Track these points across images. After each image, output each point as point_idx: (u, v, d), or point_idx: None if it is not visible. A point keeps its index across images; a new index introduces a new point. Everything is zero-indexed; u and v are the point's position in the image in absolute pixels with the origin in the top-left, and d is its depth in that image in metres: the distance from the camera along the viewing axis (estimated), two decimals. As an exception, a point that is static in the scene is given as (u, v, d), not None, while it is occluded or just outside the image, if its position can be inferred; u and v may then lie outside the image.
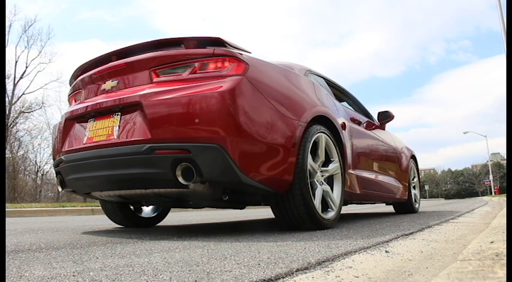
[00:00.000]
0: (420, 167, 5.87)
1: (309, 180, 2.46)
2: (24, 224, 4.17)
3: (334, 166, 2.78)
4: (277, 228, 2.97)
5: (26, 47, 23.67)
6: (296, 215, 2.45)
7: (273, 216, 5.51)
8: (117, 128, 2.30)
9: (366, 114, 4.25)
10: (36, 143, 24.89)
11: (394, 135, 4.81)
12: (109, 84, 2.49)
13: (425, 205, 7.14)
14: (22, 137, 24.08)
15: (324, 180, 2.70)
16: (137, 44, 2.55)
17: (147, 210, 3.51)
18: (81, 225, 3.92)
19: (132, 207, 3.35)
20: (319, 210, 2.52)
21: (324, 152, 2.71)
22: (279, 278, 1.17)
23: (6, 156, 21.30)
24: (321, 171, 2.68)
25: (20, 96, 23.51)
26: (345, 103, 3.92)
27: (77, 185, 2.66)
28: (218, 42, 2.35)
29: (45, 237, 2.50)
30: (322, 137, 2.67)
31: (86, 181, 2.53)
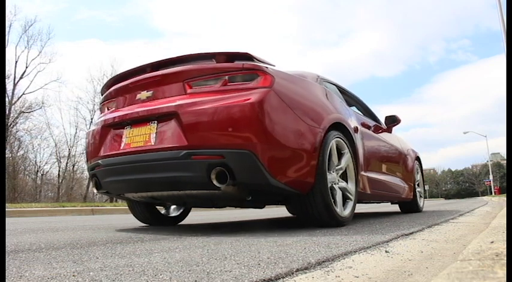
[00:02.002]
0: (421, 167, 6.02)
1: (328, 181, 2.66)
2: (24, 224, 4.17)
3: (347, 168, 3.03)
4: (277, 228, 2.97)
5: (26, 47, 23.67)
6: (316, 213, 2.65)
7: (273, 216, 5.51)
8: (154, 135, 2.49)
9: (374, 117, 4.42)
10: (36, 143, 24.91)
11: (400, 138, 5.00)
12: (144, 94, 2.67)
13: (425, 205, 7.15)
14: (22, 137, 24.10)
15: (340, 181, 2.93)
16: (171, 58, 2.77)
17: (170, 210, 3.72)
18: (81, 225, 3.92)
19: (157, 207, 3.54)
20: (338, 209, 2.73)
21: (338, 155, 2.93)
22: (279, 278, 1.17)
23: (6, 156, 21.31)
24: (336, 171, 2.88)
25: (20, 96, 23.53)
26: (353, 107, 4.07)
27: (113, 187, 2.85)
28: (246, 56, 2.57)
29: (45, 237, 2.50)
30: (339, 142, 2.90)
31: (123, 183, 2.72)
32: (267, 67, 2.53)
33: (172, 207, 3.71)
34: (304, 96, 2.75)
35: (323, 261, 1.41)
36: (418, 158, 5.36)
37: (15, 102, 23.16)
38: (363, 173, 3.31)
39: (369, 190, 3.43)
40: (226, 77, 2.47)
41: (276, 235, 2.33)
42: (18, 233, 2.95)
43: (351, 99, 4.05)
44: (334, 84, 3.61)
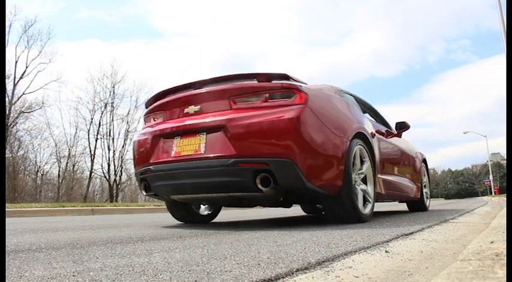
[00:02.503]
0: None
1: (353, 184, 3.01)
2: (24, 224, 4.17)
3: (367, 172, 3.37)
4: (277, 228, 2.97)
5: (26, 47, 23.61)
6: (343, 212, 3.02)
7: (272, 216, 5.50)
8: (204, 145, 2.83)
9: (385, 123, 4.74)
10: (36, 143, 24.89)
11: (408, 142, 5.30)
12: (192, 108, 3.01)
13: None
14: (22, 137, 24.08)
15: (361, 183, 3.26)
16: (215, 77, 3.13)
17: (202, 209, 3.99)
18: (81, 225, 3.92)
19: (193, 206, 3.84)
20: (361, 207, 3.10)
21: (360, 161, 3.29)
22: (279, 278, 1.17)
23: (6, 156, 21.30)
24: (358, 174, 3.23)
25: (20, 96, 23.50)
26: (366, 114, 4.35)
27: (162, 190, 3.17)
28: (284, 76, 2.92)
29: (45, 237, 2.50)
30: (360, 149, 3.25)
31: (173, 187, 3.05)
32: (301, 86, 2.88)
33: (203, 206, 3.97)
34: (331, 110, 3.12)
35: (323, 261, 1.41)
36: (424, 160, 5.70)
37: (15, 102, 23.15)
38: (379, 175, 3.65)
39: (383, 191, 3.76)
40: (267, 95, 2.83)
41: (276, 235, 2.33)
42: (18, 233, 2.95)
43: (364, 107, 4.33)
44: (350, 94, 3.91)
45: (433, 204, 12.41)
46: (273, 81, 2.90)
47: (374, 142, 3.60)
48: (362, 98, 4.25)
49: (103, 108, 25.70)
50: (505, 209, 3.72)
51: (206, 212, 4.00)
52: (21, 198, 21.38)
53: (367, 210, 3.23)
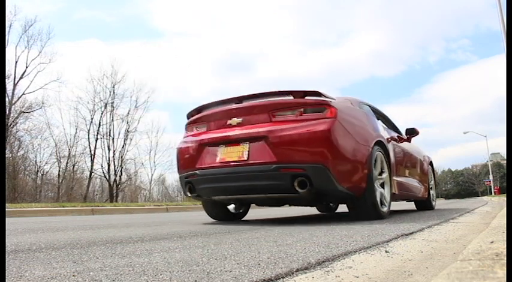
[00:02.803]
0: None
1: (374, 185, 3.40)
2: (24, 224, 4.17)
3: (385, 175, 3.77)
4: (277, 228, 2.97)
5: (26, 47, 23.56)
6: (365, 210, 3.42)
7: (274, 216, 5.49)
8: (247, 152, 3.22)
9: (395, 129, 5.12)
10: (36, 143, 24.86)
11: (417, 146, 5.70)
12: (235, 120, 3.41)
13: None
14: (22, 137, 24.05)
15: (380, 185, 3.65)
16: (255, 93, 3.54)
17: (231, 208, 4.29)
18: (81, 225, 3.92)
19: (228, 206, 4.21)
20: (380, 206, 3.49)
21: (379, 165, 3.67)
22: (279, 278, 1.17)
23: (6, 156, 21.29)
24: (377, 177, 3.59)
25: (20, 96, 23.46)
26: (380, 121, 4.58)
27: (206, 192, 3.54)
28: (316, 93, 3.33)
29: (45, 237, 2.50)
30: (379, 155, 3.65)
31: (217, 188, 3.43)
32: (331, 101, 3.29)
33: (233, 206, 4.27)
34: (355, 122, 3.51)
35: (323, 261, 1.41)
36: (431, 163, 6.15)
37: (15, 102, 23.13)
38: (393, 177, 4.01)
39: (397, 191, 4.11)
40: (302, 109, 3.24)
41: (276, 235, 2.33)
42: (18, 233, 2.95)
43: (378, 115, 4.65)
44: (367, 105, 4.27)
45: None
46: (306, 98, 3.32)
47: (390, 148, 3.99)
48: (376, 107, 4.67)
49: (103, 108, 25.69)
50: (505, 209, 3.72)
51: (239, 211, 4.39)
52: (21, 198, 21.37)
53: (385, 209, 3.62)
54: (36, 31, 24.04)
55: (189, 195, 3.67)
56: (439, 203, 13.90)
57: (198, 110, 3.84)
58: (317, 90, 3.32)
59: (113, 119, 25.98)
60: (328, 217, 4.69)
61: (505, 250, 1.07)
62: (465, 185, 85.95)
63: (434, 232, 2.47)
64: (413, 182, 4.93)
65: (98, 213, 8.17)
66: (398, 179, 4.23)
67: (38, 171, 25.46)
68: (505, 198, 9.86)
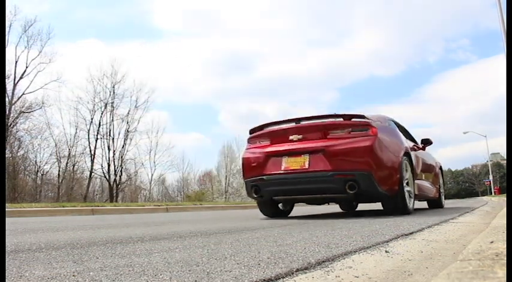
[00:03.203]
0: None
1: (403, 187, 4.25)
2: (24, 224, 4.17)
3: (410, 179, 4.61)
4: (277, 228, 2.97)
5: (26, 47, 23.56)
6: (396, 207, 4.31)
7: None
8: (307, 162, 4.05)
9: (413, 139, 5.88)
10: (36, 143, 24.86)
11: (430, 153, 6.60)
12: (296, 136, 4.23)
13: (425, 205, 7.19)
14: (22, 137, 24.05)
15: (406, 184, 4.48)
16: (312, 116, 4.41)
17: (280, 206, 5.06)
18: (81, 225, 3.92)
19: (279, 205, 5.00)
20: (408, 204, 4.34)
21: (405, 171, 4.48)
22: (279, 278, 1.17)
23: (6, 156, 21.28)
24: (405, 181, 4.42)
25: (20, 96, 23.47)
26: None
27: (269, 193, 4.34)
28: (361, 116, 4.18)
29: (45, 237, 2.50)
30: (406, 163, 4.52)
31: (281, 191, 4.28)
32: (372, 122, 4.12)
33: (279, 204, 4.99)
34: (389, 137, 4.37)
35: (323, 261, 1.41)
36: (440, 168, 7.09)
37: (15, 102, 23.14)
38: (415, 181, 4.84)
39: (417, 192, 4.91)
40: (350, 129, 4.09)
41: (276, 235, 2.33)
42: (18, 233, 2.95)
43: (400, 128, 5.34)
44: (392, 121, 5.01)
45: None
46: (353, 119, 4.17)
47: (412, 156, 4.82)
48: (399, 122, 5.47)
49: (103, 108, 25.72)
50: (505, 209, 3.72)
51: (286, 208, 5.18)
52: (21, 198, 21.37)
53: (410, 206, 4.48)
54: (36, 31, 24.00)
55: (255, 196, 4.42)
56: (439, 203, 13.88)
57: (261, 127, 4.68)
58: (362, 113, 4.24)
59: (113, 119, 26.02)
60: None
61: (505, 250, 1.07)
62: (465, 185, 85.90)
63: (434, 232, 2.47)
64: (428, 184, 5.81)
65: (98, 213, 8.17)
66: (418, 182, 5.10)
67: (38, 171, 25.47)
68: (505, 198, 9.86)
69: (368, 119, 4.15)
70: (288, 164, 4.15)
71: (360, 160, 3.93)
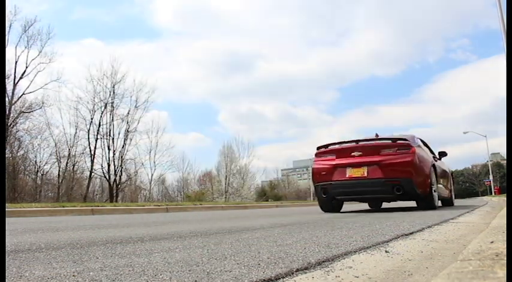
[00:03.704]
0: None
1: (433, 190, 5.91)
2: (24, 224, 4.17)
3: (435, 183, 6.32)
4: (277, 228, 2.97)
5: (26, 47, 23.52)
6: (427, 205, 5.85)
7: (271, 217, 5.49)
8: (366, 172, 5.66)
9: (432, 152, 7.48)
10: (36, 143, 24.84)
11: (444, 162, 8.27)
12: (357, 153, 5.85)
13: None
14: (22, 137, 24.02)
15: (434, 190, 6.14)
16: (368, 138, 6.36)
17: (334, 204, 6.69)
18: (81, 225, 3.92)
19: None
20: (435, 202, 6.05)
21: (433, 177, 6.14)
22: (279, 278, 1.17)
23: (6, 156, 21.27)
24: (433, 185, 6.10)
25: (20, 96, 23.43)
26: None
27: (335, 194, 6.00)
28: (404, 139, 5.84)
29: (45, 237, 2.50)
30: (433, 171, 6.15)
31: (344, 192, 5.96)
32: (412, 143, 5.79)
33: (332, 201, 6.51)
34: (422, 153, 6.05)
35: (323, 261, 1.41)
36: (452, 173, 9.08)
37: (15, 102, 23.11)
38: (438, 184, 6.59)
39: (437, 193, 6.53)
40: (396, 148, 5.71)
41: (276, 235, 2.33)
42: (18, 233, 2.95)
43: (423, 143, 6.95)
44: (419, 138, 6.64)
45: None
46: (398, 141, 5.79)
47: (436, 166, 6.56)
48: (422, 138, 7.07)
49: (103, 108, 25.68)
50: (505, 209, 3.72)
51: (337, 206, 6.65)
52: (21, 198, 21.36)
53: (436, 203, 6.16)
54: (36, 31, 23.98)
55: (323, 196, 6.14)
56: (439, 204, 13.88)
57: (326, 146, 6.32)
58: (405, 137, 6.04)
59: (113, 119, 25.98)
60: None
61: (505, 250, 1.07)
62: (465, 185, 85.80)
63: (434, 232, 2.47)
64: (444, 187, 7.51)
65: (97, 213, 8.16)
66: (438, 185, 6.68)
67: (38, 171, 25.45)
68: (505, 198, 9.86)
69: (408, 141, 5.85)
70: (351, 172, 5.78)
71: (404, 170, 5.55)
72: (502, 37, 12.74)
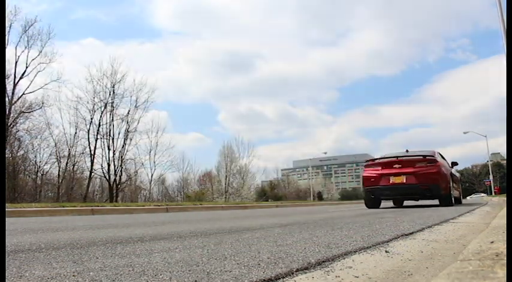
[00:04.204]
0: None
1: (451, 191, 8.53)
2: (24, 224, 4.17)
3: (451, 184, 8.73)
4: (277, 228, 2.97)
5: (26, 47, 23.52)
6: (447, 203, 8.21)
7: (271, 217, 5.49)
8: (405, 179, 8.17)
9: (446, 161, 9.56)
10: (36, 143, 24.83)
11: (455, 169, 10.44)
12: (397, 165, 8.32)
13: (425, 205, 7.22)
14: (22, 137, 24.02)
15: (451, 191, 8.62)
16: (406, 154, 8.87)
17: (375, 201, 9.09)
18: (81, 225, 3.91)
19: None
20: (453, 200, 8.58)
21: (450, 182, 8.63)
22: (279, 278, 1.17)
23: (6, 156, 21.27)
24: (451, 187, 8.63)
25: (20, 96, 23.43)
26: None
27: (381, 195, 8.66)
28: (431, 154, 8.62)
29: (45, 237, 2.50)
30: (450, 178, 8.65)
31: (387, 193, 8.62)
32: (437, 157, 8.40)
33: (372, 199, 8.87)
34: (444, 165, 8.62)
35: (323, 261, 1.41)
36: (460, 177, 11.45)
37: (15, 102, 23.11)
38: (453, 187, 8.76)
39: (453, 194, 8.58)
40: (427, 162, 8.18)
41: (276, 235, 2.33)
42: (18, 233, 2.95)
43: (440, 155, 9.25)
44: (437, 152, 8.97)
45: (432, 204, 12.41)
46: (427, 157, 8.14)
47: (452, 173, 8.72)
48: (441, 153, 9.49)
49: (103, 108, 25.68)
50: (505, 209, 3.72)
51: (378, 203, 8.90)
52: (21, 198, 21.36)
53: (453, 202, 8.33)
54: (36, 31, 23.98)
55: (372, 197, 8.51)
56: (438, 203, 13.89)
57: (374, 159, 8.90)
58: (432, 153, 8.43)
59: (112, 119, 25.98)
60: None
61: (505, 250, 1.07)
62: (465, 185, 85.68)
63: (434, 232, 2.47)
64: (455, 189, 9.26)
65: (97, 213, 8.16)
66: (453, 188, 8.73)
67: (38, 171, 25.45)
68: (505, 198, 9.88)
69: (434, 157, 8.20)
70: (393, 180, 8.10)
71: (433, 178, 7.83)
72: (502, 37, 12.74)
